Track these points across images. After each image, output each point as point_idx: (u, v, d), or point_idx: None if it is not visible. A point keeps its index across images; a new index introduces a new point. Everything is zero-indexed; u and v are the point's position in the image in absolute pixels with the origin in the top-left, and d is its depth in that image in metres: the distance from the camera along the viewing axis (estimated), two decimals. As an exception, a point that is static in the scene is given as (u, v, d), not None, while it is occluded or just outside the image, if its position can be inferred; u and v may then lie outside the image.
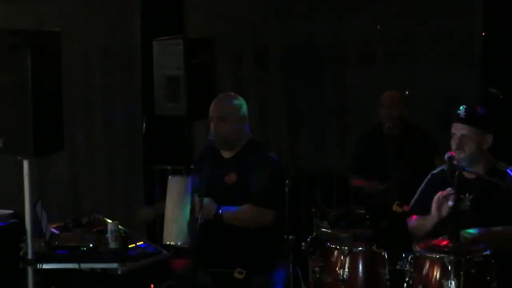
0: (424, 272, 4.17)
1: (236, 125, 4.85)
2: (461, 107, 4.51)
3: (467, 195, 4.47)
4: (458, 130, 4.51)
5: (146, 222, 4.78)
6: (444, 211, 4.35)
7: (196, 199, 4.47)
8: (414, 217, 4.64)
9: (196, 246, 4.46)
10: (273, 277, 4.83)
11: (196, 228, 4.42)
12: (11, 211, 5.24)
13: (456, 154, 4.41)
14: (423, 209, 4.57)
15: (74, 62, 7.49)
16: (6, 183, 7.02)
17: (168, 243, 4.63)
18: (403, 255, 4.27)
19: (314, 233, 4.89)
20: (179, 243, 4.56)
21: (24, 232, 4.70)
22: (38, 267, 4.74)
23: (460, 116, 4.49)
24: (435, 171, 4.73)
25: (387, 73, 7.45)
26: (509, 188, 4.35)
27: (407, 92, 6.76)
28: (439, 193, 4.36)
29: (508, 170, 4.52)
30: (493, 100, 6.47)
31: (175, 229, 4.56)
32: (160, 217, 4.86)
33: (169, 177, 4.80)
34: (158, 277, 5.25)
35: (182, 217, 4.52)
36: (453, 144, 4.51)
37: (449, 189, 4.29)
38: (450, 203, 4.28)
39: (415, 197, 4.74)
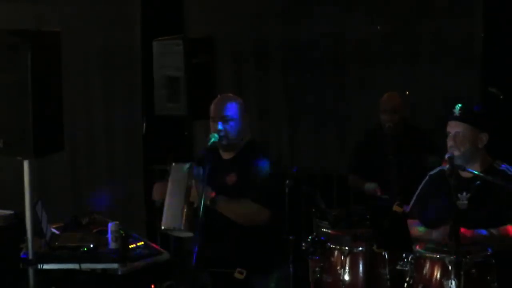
0: (424, 272, 4.17)
1: (239, 125, 4.86)
2: (456, 106, 4.52)
3: (464, 194, 4.47)
4: (453, 127, 4.52)
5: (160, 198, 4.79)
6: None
7: (193, 183, 4.51)
8: (415, 222, 4.63)
9: (196, 244, 4.47)
10: (274, 277, 4.83)
11: (193, 212, 4.45)
12: (11, 211, 5.23)
13: (450, 152, 4.41)
14: (422, 210, 4.57)
15: (74, 62, 7.49)
16: (6, 183, 7.02)
17: (164, 228, 4.64)
18: (404, 255, 4.27)
19: (314, 233, 4.87)
20: (172, 227, 4.57)
21: (24, 232, 4.70)
22: (39, 267, 4.74)
23: (455, 114, 4.51)
24: (432, 172, 4.73)
25: (387, 73, 7.44)
26: (506, 186, 4.35)
27: (407, 92, 6.75)
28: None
29: (505, 168, 4.52)
30: (493, 100, 6.46)
31: (169, 215, 4.59)
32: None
33: (172, 164, 4.82)
34: (158, 277, 5.25)
35: (176, 202, 4.55)
36: (449, 142, 4.52)
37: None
38: None
39: (414, 199, 4.74)
